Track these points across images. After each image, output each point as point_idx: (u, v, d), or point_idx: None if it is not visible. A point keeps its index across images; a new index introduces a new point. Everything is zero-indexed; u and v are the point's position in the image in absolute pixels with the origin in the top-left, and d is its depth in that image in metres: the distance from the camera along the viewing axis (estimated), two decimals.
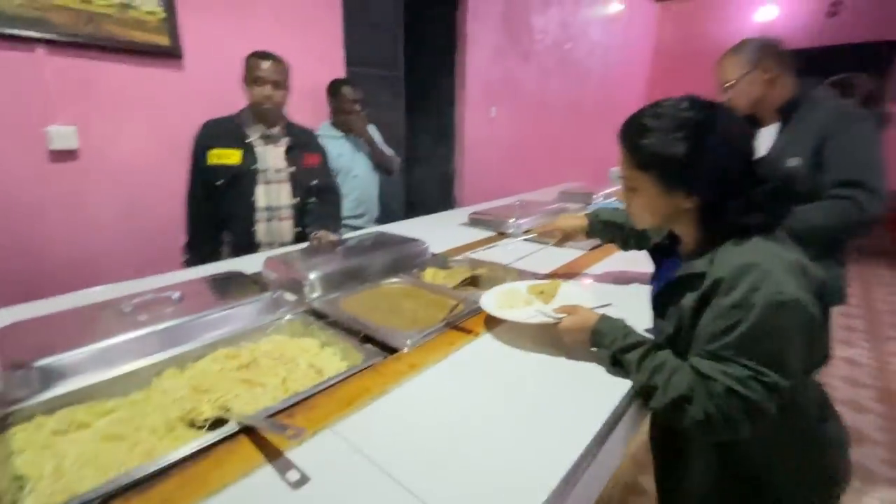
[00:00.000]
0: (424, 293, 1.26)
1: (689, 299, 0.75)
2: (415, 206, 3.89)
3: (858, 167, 1.25)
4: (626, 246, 1.28)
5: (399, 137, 3.38)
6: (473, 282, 1.38)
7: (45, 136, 1.75)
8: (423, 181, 3.91)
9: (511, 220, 1.91)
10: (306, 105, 2.55)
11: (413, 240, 1.53)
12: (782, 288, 0.64)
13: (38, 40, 1.68)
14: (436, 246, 1.61)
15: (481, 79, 3.84)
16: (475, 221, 2.05)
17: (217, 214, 1.63)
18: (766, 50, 1.37)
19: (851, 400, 2.24)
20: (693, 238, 0.82)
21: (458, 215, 2.23)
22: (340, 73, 2.72)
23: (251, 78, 1.59)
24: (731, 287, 0.67)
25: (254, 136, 1.63)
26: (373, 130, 2.39)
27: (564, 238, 1.39)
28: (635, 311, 0.98)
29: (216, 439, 0.66)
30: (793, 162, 1.31)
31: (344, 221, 2.27)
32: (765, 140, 1.41)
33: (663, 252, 0.96)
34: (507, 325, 1.01)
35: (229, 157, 1.58)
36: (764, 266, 0.66)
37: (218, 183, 1.58)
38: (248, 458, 0.63)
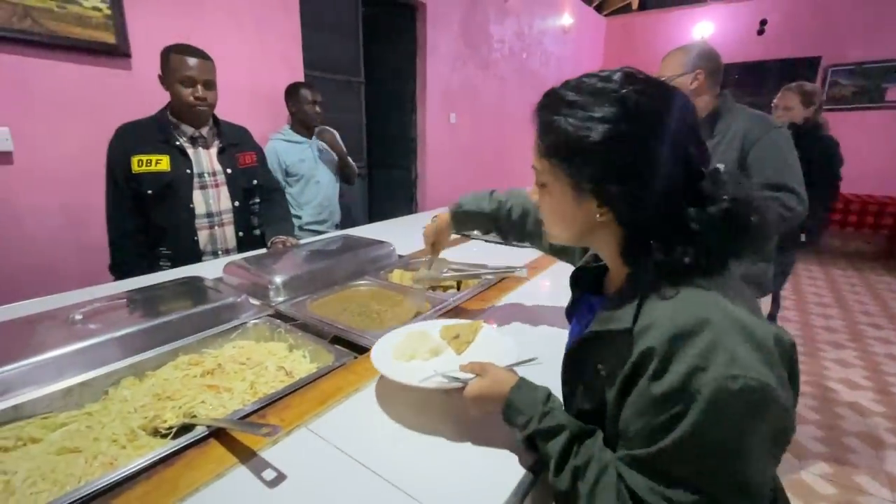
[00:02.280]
0: (392, 294, 1.26)
1: (608, 369, 0.55)
2: (377, 211, 3.88)
3: (780, 171, 1.36)
4: (503, 235, 1.08)
5: (360, 143, 3.36)
6: (458, 284, 1.39)
7: None
8: (384, 186, 3.91)
9: None
10: (263, 109, 2.50)
11: (380, 242, 1.53)
12: (739, 366, 0.44)
13: None
14: (401, 248, 1.62)
15: (441, 85, 3.89)
16: None
17: (149, 226, 1.48)
18: (704, 60, 1.45)
19: None
20: (616, 268, 0.62)
21: (422, 219, 2.25)
22: (299, 76, 2.69)
23: (178, 77, 1.42)
24: (663, 364, 0.47)
25: (182, 139, 1.50)
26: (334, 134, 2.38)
27: (435, 244, 1.18)
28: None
29: (185, 443, 0.64)
30: (720, 167, 1.42)
31: (306, 227, 2.23)
32: None
33: (589, 283, 0.72)
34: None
35: (157, 163, 1.43)
36: (710, 331, 0.46)
37: (149, 192, 1.43)
38: (219, 460, 0.61)
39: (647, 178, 0.52)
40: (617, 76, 0.55)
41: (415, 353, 0.82)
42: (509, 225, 1.05)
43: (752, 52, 5.63)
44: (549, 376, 0.67)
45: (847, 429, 2.08)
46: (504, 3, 4.43)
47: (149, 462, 0.61)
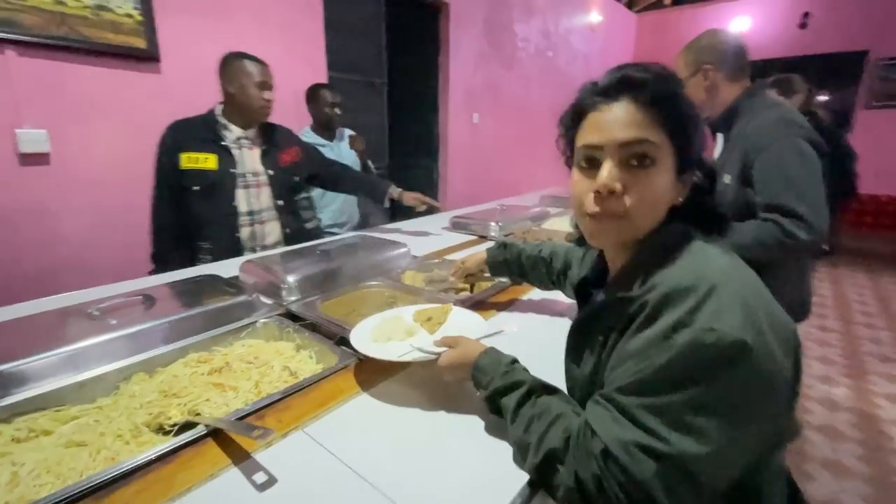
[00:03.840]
0: (403, 296, 1.25)
1: (611, 337, 0.56)
2: (398, 211, 3.89)
3: (782, 190, 1.11)
4: (543, 282, 1.09)
5: (382, 143, 3.38)
6: (471, 286, 1.36)
7: (14, 139, 1.71)
8: (406, 187, 3.91)
9: (492, 224, 1.92)
10: (287, 110, 2.54)
11: (394, 243, 1.53)
12: (720, 322, 0.45)
13: (8, 41, 1.65)
14: (417, 249, 1.61)
15: (464, 85, 3.87)
16: (457, 225, 2.06)
17: (192, 220, 1.55)
18: (707, 51, 1.26)
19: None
20: (623, 259, 0.61)
21: (440, 219, 2.23)
22: (322, 78, 2.72)
23: (254, 81, 1.53)
24: (653, 316, 0.49)
25: (229, 139, 1.57)
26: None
27: (469, 278, 1.22)
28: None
29: (182, 442, 0.64)
30: (726, 179, 1.22)
31: (326, 229, 2.26)
32: (717, 151, 1.35)
33: (591, 289, 0.73)
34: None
35: (205, 161, 1.52)
36: (706, 289, 0.47)
37: (195, 188, 1.51)
38: (214, 461, 0.61)
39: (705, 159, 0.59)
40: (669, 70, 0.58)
41: (391, 335, 0.89)
42: (549, 266, 1.06)
43: (794, 47, 5.36)
44: (519, 348, 0.74)
45: (893, 448, 1.94)
46: (530, 1, 4.37)
47: (146, 459, 0.61)
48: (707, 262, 0.51)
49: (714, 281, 0.48)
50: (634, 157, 0.53)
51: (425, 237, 1.88)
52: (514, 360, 0.68)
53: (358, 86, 3.09)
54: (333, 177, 1.87)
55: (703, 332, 0.45)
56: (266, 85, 1.56)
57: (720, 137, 1.37)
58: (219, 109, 1.58)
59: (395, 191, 1.83)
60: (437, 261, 1.53)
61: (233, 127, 1.58)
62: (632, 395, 0.48)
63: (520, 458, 0.59)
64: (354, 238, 1.67)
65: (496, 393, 0.63)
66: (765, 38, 5.47)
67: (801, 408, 2.21)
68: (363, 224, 2.51)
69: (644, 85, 0.54)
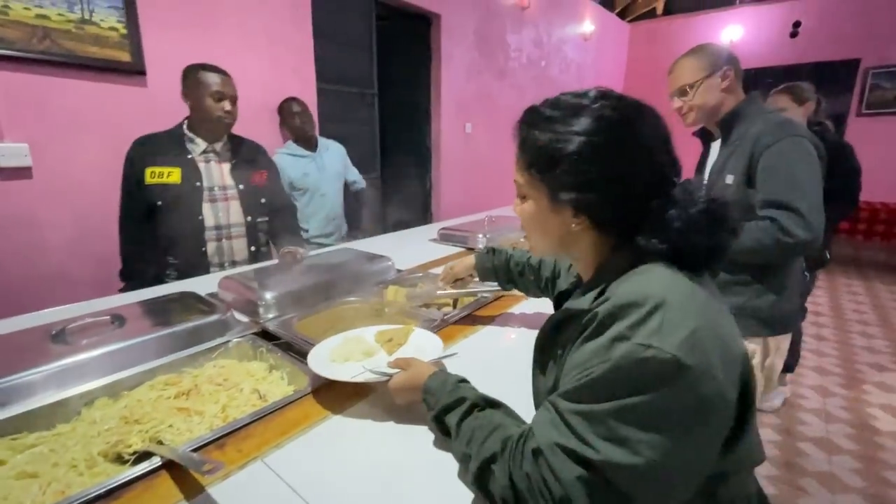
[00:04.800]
0: (382, 312, 1.23)
1: (566, 348, 0.57)
2: (391, 222, 3.87)
3: (783, 187, 1.13)
4: (531, 289, 1.10)
5: (373, 154, 3.38)
6: (454, 302, 1.34)
7: None
8: (399, 197, 3.90)
9: (480, 236, 1.91)
10: (276, 123, 2.53)
11: (378, 256, 1.50)
12: (657, 339, 0.45)
13: None
14: (403, 262, 1.59)
15: (456, 95, 3.88)
16: (445, 237, 2.04)
17: (159, 236, 1.52)
18: (724, 55, 1.29)
19: None
20: (589, 273, 0.64)
21: (430, 231, 2.22)
22: (311, 89, 2.72)
23: (209, 92, 1.50)
24: (599, 330, 0.51)
25: (196, 153, 1.55)
26: (340, 149, 2.40)
27: (457, 283, 1.22)
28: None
29: (134, 475, 0.61)
30: (728, 180, 1.24)
31: (313, 240, 2.24)
32: (713, 155, 1.38)
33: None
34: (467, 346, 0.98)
35: (168, 176, 1.49)
36: (652, 305, 0.48)
37: (159, 203, 1.48)
38: (165, 496, 0.58)
39: (620, 187, 0.55)
40: (592, 93, 0.59)
41: (349, 355, 0.89)
42: (536, 274, 1.06)
43: (785, 56, 5.40)
44: (469, 370, 0.75)
45: (888, 461, 1.91)
46: (522, 12, 4.39)
47: (94, 494, 0.58)
48: (659, 280, 0.52)
49: (661, 298, 0.48)
50: (518, 192, 0.66)
51: (412, 249, 1.86)
52: (462, 380, 0.69)
53: (348, 97, 3.09)
54: (275, 215, 1.73)
55: (639, 348, 0.45)
56: (223, 95, 1.52)
57: (714, 145, 1.39)
58: (186, 123, 1.56)
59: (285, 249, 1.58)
60: (420, 275, 1.50)
61: (198, 140, 1.55)
62: (569, 401, 0.50)
63: (463, 470, 0.60)
64: (338, 251, 1.65)
65: (441, 411, 0.64)
66: (757, 47, 5.51)
67: (795, 419, 2.18)
68: (358, 235, 2.49)
69: (517, 130, 0.64)
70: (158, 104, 2.06)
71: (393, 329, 0.98)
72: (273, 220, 1.73)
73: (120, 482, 0.60)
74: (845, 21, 5.01)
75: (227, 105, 1.53)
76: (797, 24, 5.29)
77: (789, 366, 2.36)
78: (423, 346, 0.92)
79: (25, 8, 1.67)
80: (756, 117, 1.24)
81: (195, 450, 0.66)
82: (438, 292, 1.25)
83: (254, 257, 1.68)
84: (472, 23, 3.88)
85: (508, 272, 1.11)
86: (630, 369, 0.45)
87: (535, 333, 0.67)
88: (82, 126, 1.89)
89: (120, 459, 0.72)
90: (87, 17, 1.82)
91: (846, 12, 5.00)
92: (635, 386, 0.45)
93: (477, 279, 1.20)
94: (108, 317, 1.00)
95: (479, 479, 0.55)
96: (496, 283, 1.16)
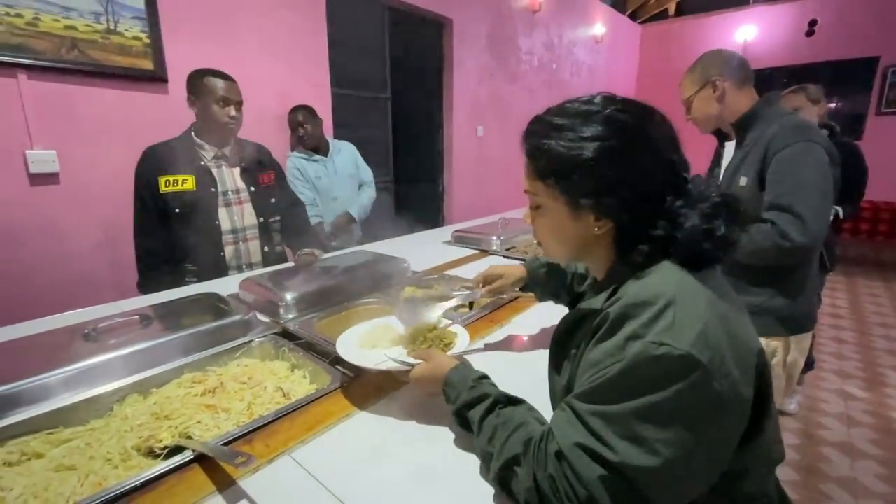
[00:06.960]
0: None
1: (581, 347, 0.59)
2: (404, 225, 3.89)
3: (788, 190, 1.12)
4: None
5: (386, 158, 3.41)
6: (470, 304, 1.35)
7: (24, 160, 1.75)
8: (412, 200, 3.93)
9: (493, 238, 1.92)
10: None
11: (394, 258, 1.52)
12: (670, 336, 0.46)
13: (20, 66, 1.69)
14: (418, 264, 1.60)
15: (468, 99, 3.90)
16: (459, 239, 2.05)
17: (177, 244, 1.52)
18: (713, 65, 1.30)
19: None
20: (603, 272, 0.65)
21: (443, 233, 2.23)
22: (326, 95, 2.76)
23: (215, 98, 1.51)
24: (612, 329, 0.51)
25: (207, 158, 1.56)
26: (352, 149, 2.43)
27: (492, 290, 1.05)
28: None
29: (167, 468, 0.64)
30: (742, 182, 1.24)
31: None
32: (727, 156, 1.39)
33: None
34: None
35: (182, 183, 1.50)
36: (664, 304, 0.49)
37: (176, 210, 1.49)
38: (198, 488, 0.60)
39: (639, 187, 0.56)
40: (597, 99, 0.59)
41: (377, 342, 0.93)
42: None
43: (801, 55, 5.32)
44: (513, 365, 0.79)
45: None
46: (533, 16, 4.41)
47: (131, 486, 0.61)
48: (669, 278, 0.53)
49: (673, 296, 0.49)
50: (532, 202, 0.66)
51: (426, 251, 1.88)
52: (483, 376, 0.70)
53: (362, 102, 3.12)
54: (287, 213, 1.76)
55: (652, 346, 0.46)
56: (229, 101, 1.52)
57: (729, 146, 1.40)
58: (193, 130, 1.57)
59: (303, 251, 1.68)
60: (436, 276, 1.52)
61: (208, 146, 1.57)
62: (586, 402, 0.50)
63: (484, 468, 0.61)
64: (355, 253, 1.67)
65: (463, 407, 0.65)
66: (772, 47, 5.45)
67: (816, 424, 2.14)
68: (372, 237, 2.51)
69: (524, 141, 0.64)
70: (179, 111, 2.11)
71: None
72: (285, 218, 1.74)
73: (154, 475, 0.62)
74: (863, 18, 4.93)
75: (232, 111, 1.54)
76: (813, 23, 5.22)
77: (809, 363, 2.34)
78: (453, 339, 0.93)
79: (55, 20, 1.74)
80: (772, 119, 1.23)
81: (224, 444, 0.69)
82: (455, 292, 1.26)
83: (267, 258, 1.69)
84: (483, 27, 3.90)
85: (571, 293, 1.02)
86: (644, 367, 0.46)
87: (551, 334, 0.68)
88: (107, 132, 1.95)
89: (152, 453, 0.75)
90: (112, 27, 1.88)
91: (864, 9, 4.92)
92: (650, 383, 0.46)
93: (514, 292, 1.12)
94: (136, 317, 1.03)
95: (501, 478, 0.56)
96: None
